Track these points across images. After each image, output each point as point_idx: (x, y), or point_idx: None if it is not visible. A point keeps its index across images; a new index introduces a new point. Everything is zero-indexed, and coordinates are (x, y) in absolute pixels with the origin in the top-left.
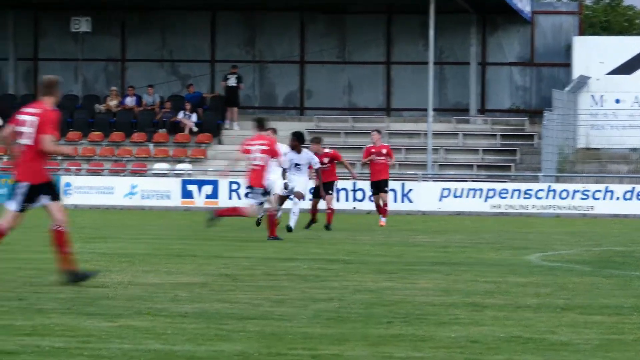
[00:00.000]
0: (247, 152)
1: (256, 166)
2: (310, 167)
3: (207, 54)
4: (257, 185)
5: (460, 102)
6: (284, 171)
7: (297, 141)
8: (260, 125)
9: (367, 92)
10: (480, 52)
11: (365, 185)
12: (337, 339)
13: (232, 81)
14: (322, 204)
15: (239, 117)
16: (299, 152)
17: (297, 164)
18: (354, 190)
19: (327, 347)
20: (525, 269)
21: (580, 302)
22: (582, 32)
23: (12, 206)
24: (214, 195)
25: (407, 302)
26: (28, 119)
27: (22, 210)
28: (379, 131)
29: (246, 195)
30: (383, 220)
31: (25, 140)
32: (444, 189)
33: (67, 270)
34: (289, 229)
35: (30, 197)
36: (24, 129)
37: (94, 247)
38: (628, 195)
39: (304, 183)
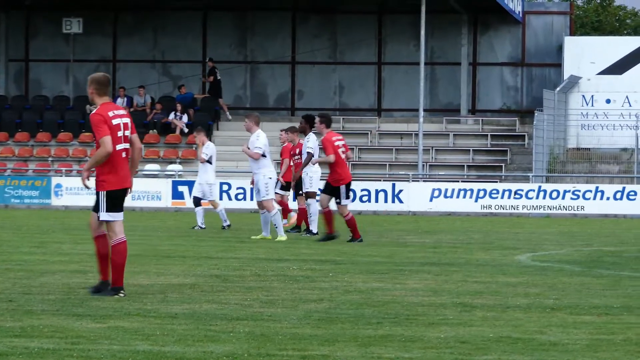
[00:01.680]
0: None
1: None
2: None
3: (198, 54)
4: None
5: (451, 102)
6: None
7: (307, 124)
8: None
9: (358, 93)
10: (471, 53)
11: (356, 185)
12: (326, 340)
13: (219, 74)
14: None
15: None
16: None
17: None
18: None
19: (316, 347)
20: (515, 269)
21: (570, 302)
22: (573, 32)
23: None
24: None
25: (397, 303)
26: (127, 121)
27: None
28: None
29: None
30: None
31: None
32: (434, 190)
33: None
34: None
35: None
36: (127, 133)
37: (85, 248)
38: (618, 195)
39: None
